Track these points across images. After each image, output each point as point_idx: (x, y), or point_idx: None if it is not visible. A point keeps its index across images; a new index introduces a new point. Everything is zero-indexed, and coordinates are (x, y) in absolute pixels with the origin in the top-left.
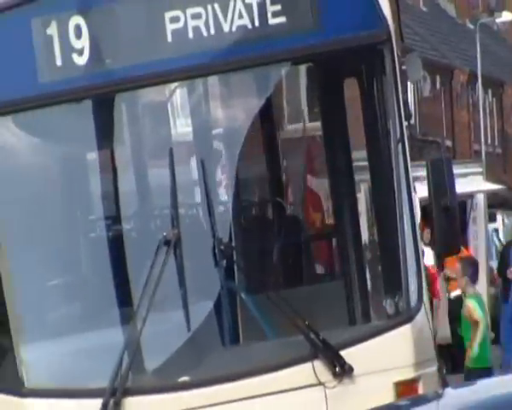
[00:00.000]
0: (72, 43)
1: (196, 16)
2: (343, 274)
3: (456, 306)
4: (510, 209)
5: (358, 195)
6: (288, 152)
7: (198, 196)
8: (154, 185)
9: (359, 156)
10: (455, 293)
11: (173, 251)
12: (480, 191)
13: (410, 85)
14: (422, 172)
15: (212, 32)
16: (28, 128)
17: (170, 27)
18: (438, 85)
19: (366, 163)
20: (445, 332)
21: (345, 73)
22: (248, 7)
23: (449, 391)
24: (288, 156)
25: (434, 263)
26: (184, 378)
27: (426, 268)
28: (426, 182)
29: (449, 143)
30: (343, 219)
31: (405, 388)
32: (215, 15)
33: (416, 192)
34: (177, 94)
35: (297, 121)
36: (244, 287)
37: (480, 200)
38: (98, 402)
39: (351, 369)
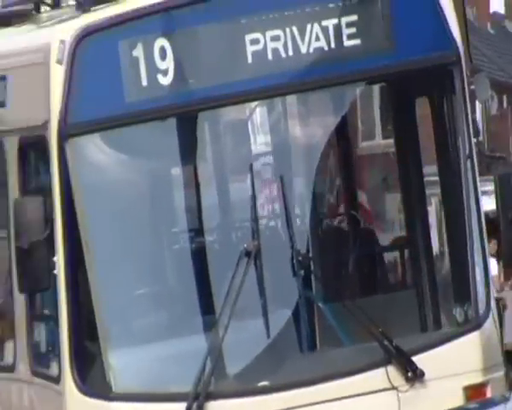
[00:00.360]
0: (157, 64)
1: (275, 38)
2: (415, 284)
3: None
4: None
5: (429, 208)
6: (363, 168)
7: (277, 210)
8: (235, 199)
9: (430, 171)
10: None
11: (253, 262)
12: None
13: (478, 104)
14: (490, 187)
15: (291, 53)
16: (115, 145)
17: (250, 49)
18: (505, 104)
19: (437, 178)
20: None
21: (416, 93)
22: (325, 30)
23: None
24: (363, 172)
25: (498, 273)
26: (264, 383)
27: None
28: (494, 196)
29: None
30: (415, 231)
31: (474, 392)
32: (293, 38)
33: None
34: (257, 112)
35: (371, 138)
36: (321, 296)
37: None
38: (182, 406)
39: (422, 374)
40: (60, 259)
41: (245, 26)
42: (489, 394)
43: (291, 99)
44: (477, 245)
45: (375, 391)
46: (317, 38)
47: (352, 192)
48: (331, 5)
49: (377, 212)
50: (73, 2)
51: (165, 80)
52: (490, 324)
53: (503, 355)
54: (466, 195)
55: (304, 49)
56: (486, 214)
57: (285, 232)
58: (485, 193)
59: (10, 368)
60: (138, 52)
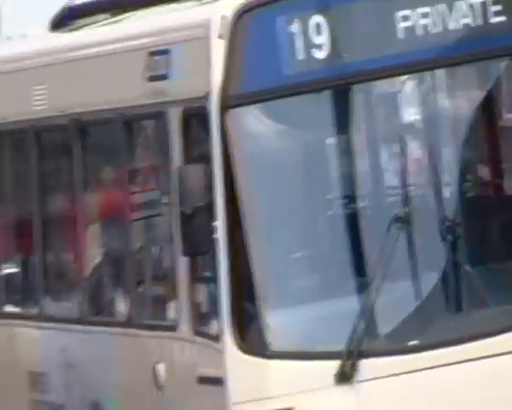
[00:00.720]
0: (313, 39)
1: (424, 15)
2: None
3: None
4: None
5: None
6: (507, 138)
7: (425, 178)
8: (386, 168)
9: None
10: None
11: (404, 227)
12: None
13: None
14: None
15: (439, 29)
16: (272, 116)
17: (400, 25)
18: None
19: None
20: None
21: None
22: (472, 7)
23: None
24: (507, 142)
25: None
26: (413, 342)
27: None
28: None
29: None
30: None
31: None
32: (441, 14)
33: None
34: (407, 86)
35: None
36: (467, 259)
37: None
38: (336, 364)
39: None
40: (220, 224)
41: (396, 4)
42: None
43: (439, 73)
44: None
45: None
46: (465, 15)
47: (496, 161)
48: None
49: None
50: None
51: (320, 54)
52: None
53: None
54: None
55: (451, 26)
56: None
57: (433, 199)
58: None
59: (173, 327)
60: (295, 28)
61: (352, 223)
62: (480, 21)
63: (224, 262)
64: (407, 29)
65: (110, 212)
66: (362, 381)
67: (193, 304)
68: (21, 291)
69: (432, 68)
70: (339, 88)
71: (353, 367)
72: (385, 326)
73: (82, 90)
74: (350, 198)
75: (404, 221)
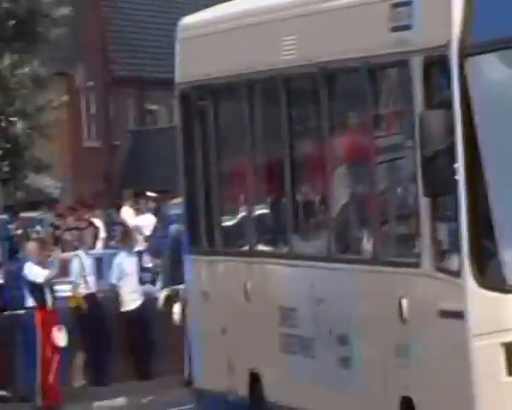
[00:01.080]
0: None
1: None
2: None
3: None
4: None
5: None
6: None
7: None
8: None
9: None
10: None
11: None
12: None
13: None
14: None
15: None
16: (509, 63)
17: None
18: None
19: None
20: None
21: None
22: None
23: None
24: None
25: None
26: None
27: None
28: None
29: None
30: None
31: None
32: None
33: None
34: None
35: None
36: None
37: None
38: None
39: None
40: (460, 166)
41: None
42: None
43: None
44: None
45: None
46: None
47: None
48: None
49: None
50: None
51: None
52: None
53: None
54: None
55: None
56: None
57: None
58: None
59: (416, 264)
60: None
61: None
62: None
63: (465, 202)
64: None
65: (356, 155)
66: None
67: (434, 242)
68: (272, 231)
69: None
70: None
71: None
72: None
73: (329, 40)
74: None
75: None
